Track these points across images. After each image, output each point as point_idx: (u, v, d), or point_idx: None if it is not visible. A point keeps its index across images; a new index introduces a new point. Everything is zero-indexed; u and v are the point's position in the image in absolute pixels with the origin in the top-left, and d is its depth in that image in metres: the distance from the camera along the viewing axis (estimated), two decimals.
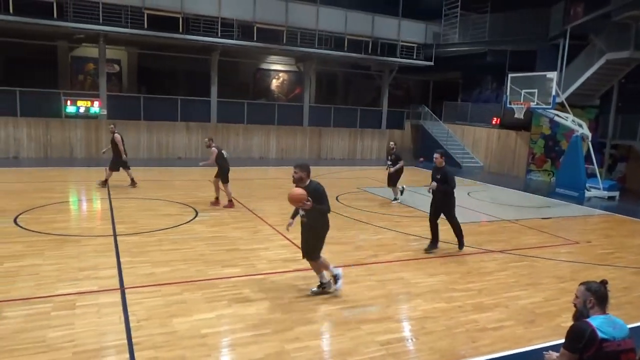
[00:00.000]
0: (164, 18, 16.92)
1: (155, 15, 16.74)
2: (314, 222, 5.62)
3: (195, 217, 9.66)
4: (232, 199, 10.74)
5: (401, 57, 21.69)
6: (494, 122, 21.55)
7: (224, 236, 8.39)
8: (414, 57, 22.01)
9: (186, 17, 17.26)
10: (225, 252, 7.48)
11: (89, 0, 15.79)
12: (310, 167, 5.65)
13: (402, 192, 12.50)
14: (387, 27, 21.19)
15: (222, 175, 10.52)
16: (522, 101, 15.89)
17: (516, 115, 16.33)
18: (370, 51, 20.93)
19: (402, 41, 21.58)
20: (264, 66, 23.74)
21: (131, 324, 4.88)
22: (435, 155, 7.94)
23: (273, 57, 23.00)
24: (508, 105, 16.71)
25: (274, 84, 24.19)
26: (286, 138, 21.27)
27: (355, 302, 5.78)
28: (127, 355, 4.31)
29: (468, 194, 14.38)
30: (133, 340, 4.57)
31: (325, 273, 5.93)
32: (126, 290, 5.75)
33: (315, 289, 5.92)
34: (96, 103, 17.50)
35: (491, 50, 20.91)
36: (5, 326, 4.70)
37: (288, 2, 18.91)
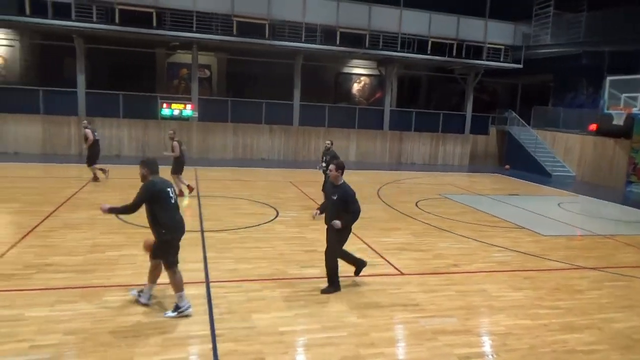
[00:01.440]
0: (251, 24, 17.66)
1: (243, 22, 17.53)
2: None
3: (277, 217, 9.96)
4: (189, 184, 11.47)
5: (487, 60, 20.85)
6: (590, 129, 20.03)
7: (303, 237, 8.57)
8: (501, 59, 21.08)
9: (272, 23, 17.89)
10: (304, 252, 7.66)
11: (184, 9, 16.91)
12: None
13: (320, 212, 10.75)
14: (473, 29, 20.49)
15: (175, 167, 11.12)
16: (622, 106, 14.70)
17: (615, 122, 15.16)
18: (454, 54, 20.37)
19: (488, 43, 20.75)
20: (346, 70, 23.94)
21: (214, 316, 5.15)
22: (330, 167, 6.14)
23: (355, 61, 23.13)
24: (605, 111, 15.54)
25: (355, 87, 24.29)
26: (366, 142, 21.26)
27: (434, 312, 5.68)
28: (210, 346, 4.57)
29: (558, 204, 13.52)
30: (216, 332, 4.83)
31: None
32: (211, 284, 6.08)
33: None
34: (189, 106, 18.65)
35: (587, 52, 19.48)
36: (106, 310, 5.17)
37: (371, 6, 18.94)
